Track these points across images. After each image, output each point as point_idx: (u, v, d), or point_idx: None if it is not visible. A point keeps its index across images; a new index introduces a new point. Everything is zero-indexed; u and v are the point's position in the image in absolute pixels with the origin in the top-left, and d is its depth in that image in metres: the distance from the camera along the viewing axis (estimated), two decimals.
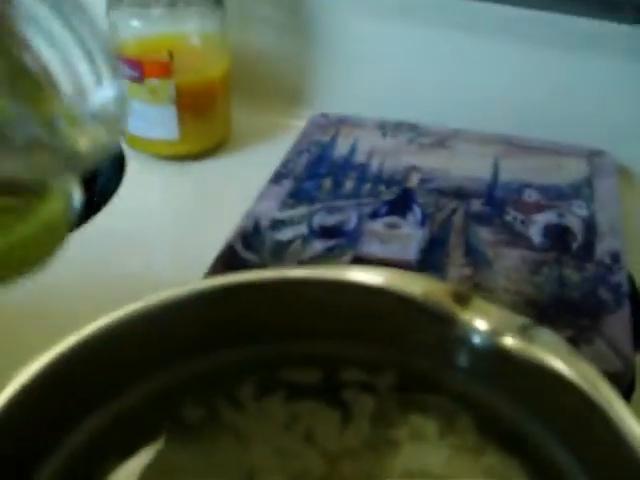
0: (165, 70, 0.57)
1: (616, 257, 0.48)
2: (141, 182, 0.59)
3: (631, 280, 0.49)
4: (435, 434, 0.34)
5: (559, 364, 0.29)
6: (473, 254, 0.47)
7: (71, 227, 0.30)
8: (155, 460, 0.33)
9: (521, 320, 0.31)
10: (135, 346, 0.31)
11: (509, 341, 0.30)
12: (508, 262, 0.46)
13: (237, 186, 0.56)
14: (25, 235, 0.26)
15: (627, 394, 0.41)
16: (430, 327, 0.31)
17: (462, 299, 0.32)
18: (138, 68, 0.57)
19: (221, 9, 0.59)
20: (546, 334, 0.30)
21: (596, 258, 0.47)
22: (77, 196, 0.28)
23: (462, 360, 0.32)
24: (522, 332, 0.30)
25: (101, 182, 0.59)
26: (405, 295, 0.31)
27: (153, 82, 0.57)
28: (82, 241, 0.51)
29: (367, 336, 0.33)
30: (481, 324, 0.31)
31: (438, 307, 0.31)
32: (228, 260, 0.46)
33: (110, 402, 0.31)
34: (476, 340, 0.31)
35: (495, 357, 0.31)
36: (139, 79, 0.57)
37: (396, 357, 0.33)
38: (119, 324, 0.30)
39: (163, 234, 0.55)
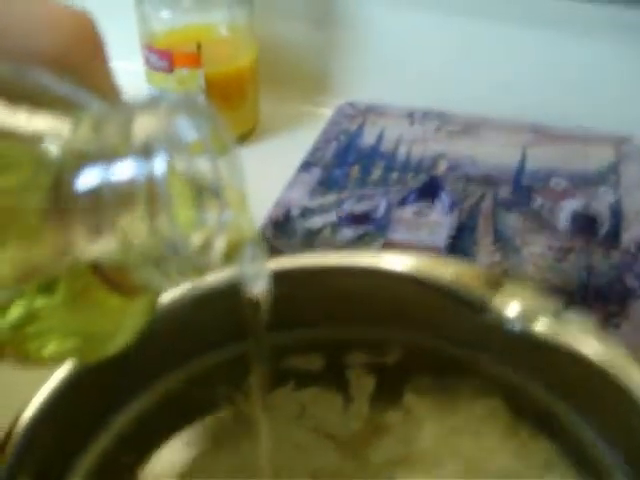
0: (194, 60, 0.58)
1: None
2: None
3: None
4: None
5: (590, 349, 0.30)
6: (501, 241, 0.47)
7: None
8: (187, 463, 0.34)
9: (553, 304, 0.31)
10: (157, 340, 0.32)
11: (541, 326, 0.31)
12: (536, 249, 0.47)
13: (267, 174, 0.56)
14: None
15: None
16: (462, 313, 0.32)
17: (494, 283, 0.32)
18: (167, 58, 0.58)
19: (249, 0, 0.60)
20: (578, 318, 0.31)
21: (622, 245, 0.48)
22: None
23: (495, 345, 0.33)
24: (554, 316, 0.31)
25: None
26: (436, 281, 0.32)
27: (182, 72, 0.58)
28: None
29: (399, 324, 0.34)
30: (513, 309, 0.31)
31: (469, 292, 0.32)
32: None
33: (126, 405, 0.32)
34: (508, 325, 0.31)
35: (527, 342, 0.31)
36: (168, 69, 0.58)
37: (429, 344, 0.34)
38: None
39: None
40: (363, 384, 0.35)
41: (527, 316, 0.31)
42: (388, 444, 0.34)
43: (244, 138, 0.63)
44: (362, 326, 0.34)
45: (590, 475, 0.31)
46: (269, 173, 0.56)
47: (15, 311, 0.19)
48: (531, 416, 0.33)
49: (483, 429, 0.34)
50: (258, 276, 0.26)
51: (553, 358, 0.31)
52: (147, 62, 0.60)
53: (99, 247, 0.18)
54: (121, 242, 0.18)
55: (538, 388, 0.33)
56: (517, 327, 0.31)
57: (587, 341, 0.30)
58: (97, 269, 0.19)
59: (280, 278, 0.33)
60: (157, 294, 0.24)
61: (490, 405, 0.34)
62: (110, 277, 0.19)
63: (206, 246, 0.20)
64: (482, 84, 0.63)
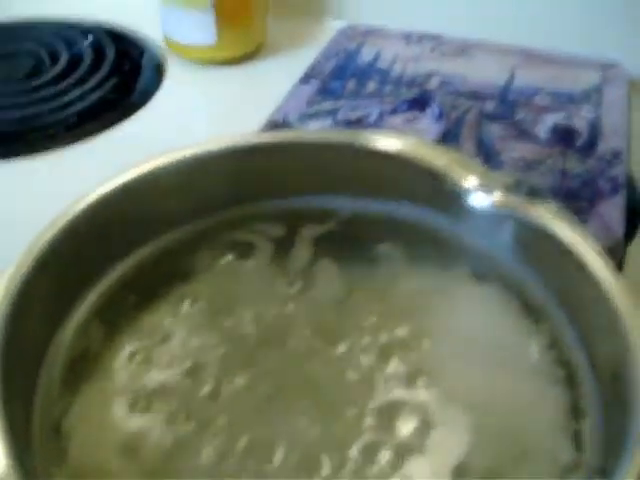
0: None
1: (617, 154, 0.51)
2: (179, 85, 0.63)
3: (630, 184, 0.52)
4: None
5: (542, 217, 0.34)
6: (483, 146, 0.51)
7: None
8: None
9: (511, 178, 0.35)
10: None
11: (498, 196, 0.35)
12: (515, 154, 0.50)
13: (271, 89, 0.60)
14: None
15: None
16: (421, 182, 0.36)
17: (460, 163, 0.36)
18: None
19: None
20: (535, 193, 0.35)
21: (598, 154, 0.51)
22: None
23: (455, 214, 0.36)
24: (511, 189, 0.35)
25: (141, 83, 0.63)
26: (397, 153, 0.36)
27: None
28: (116, 141, 0.56)
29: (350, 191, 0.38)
30: (472, 180, 0.35)
31: (430, 164, 0.35)
32: None
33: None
34: (466, 195, 0.35)
35: (486, 212, 0.35)
36: None
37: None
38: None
39: (199, 135, 0.59)
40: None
41: (484, 186, 0.35)
42: None
43: (252, 56, 0.66)
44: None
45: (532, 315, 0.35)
46: (274, 89, 0.59)
47: None
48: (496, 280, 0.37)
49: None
50: None
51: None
52: None
53: None
54: None
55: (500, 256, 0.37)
56: (474, 198, 0.35)
57: (542, 212, 0.34)
58: None
59: (254, 152, 0.37)
60: None
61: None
62: None
63: None
64: (477, 8, 0.66)
